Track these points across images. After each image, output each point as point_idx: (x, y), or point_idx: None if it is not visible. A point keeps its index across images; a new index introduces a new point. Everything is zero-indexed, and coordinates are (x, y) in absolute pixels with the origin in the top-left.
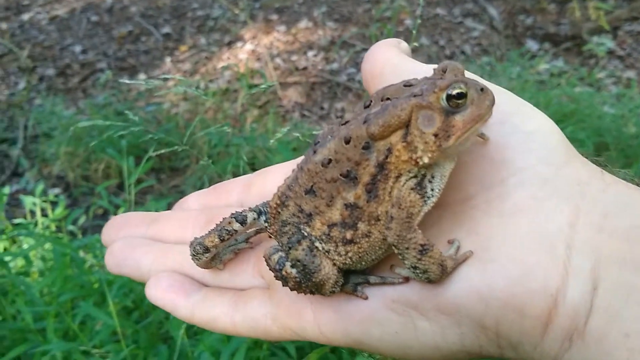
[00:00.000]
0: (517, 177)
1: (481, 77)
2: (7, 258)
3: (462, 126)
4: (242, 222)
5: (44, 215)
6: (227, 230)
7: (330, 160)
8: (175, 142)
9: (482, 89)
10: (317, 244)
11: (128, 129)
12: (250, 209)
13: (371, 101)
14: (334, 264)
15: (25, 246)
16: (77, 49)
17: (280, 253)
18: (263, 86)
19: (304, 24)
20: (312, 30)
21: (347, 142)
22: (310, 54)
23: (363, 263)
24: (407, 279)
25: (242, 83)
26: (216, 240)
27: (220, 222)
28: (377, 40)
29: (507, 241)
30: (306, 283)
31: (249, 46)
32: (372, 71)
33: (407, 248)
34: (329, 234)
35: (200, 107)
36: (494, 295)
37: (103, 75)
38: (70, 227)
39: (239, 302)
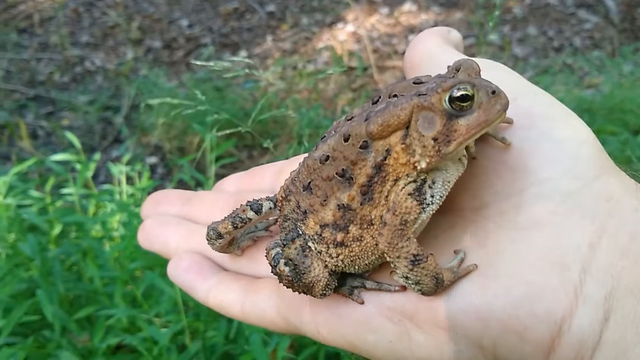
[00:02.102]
0: (537, 188)
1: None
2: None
3: (464, 132)
4: (257, 211)
5: (131, 183)
6: (240, 218)
7: (327, 157)
8: (237, 123)
9: (493, 92)
10: (310, 243)
11: (195, 108)
12: (267, 198)
13: (380, 97)
14: (326, 266)
15: (108, 212)
16: (184, 23)
17: (278, 249)
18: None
19: (407, 6)
20: (416, 13)
21: (346, 139)
22: (412, 37)
23: (356, 267)
24: (404, 288)
25: (336, 65)
26: (229, 227)
27: (236, 209)
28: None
29: (515, 257)
30: (297, 283)
31: (350, 27)
32: (412, 60)
33: (399, 257)
34: (321, 235)
35: (295, 87)
36: (493, 316)
37: (206, 51)
38: None
39: (250, 291)
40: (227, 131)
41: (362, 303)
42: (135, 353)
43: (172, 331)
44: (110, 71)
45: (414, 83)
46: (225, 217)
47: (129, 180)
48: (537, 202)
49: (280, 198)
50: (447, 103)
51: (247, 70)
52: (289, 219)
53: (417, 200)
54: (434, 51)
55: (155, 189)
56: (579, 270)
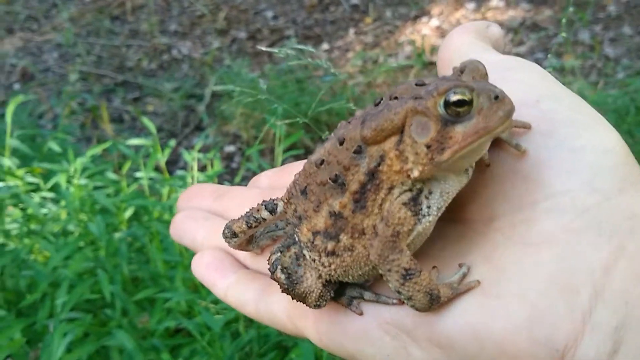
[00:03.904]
0: (551, 201)
1: None
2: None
3: (460, 139)
4: (272, 211)
5: (203, 170)
6: (255, 217)
7: (322, 162)
8: (295, 114)
9: (496, 97)
10: (304, 251)
11: (255, 97)
12: (282, 198)
13: (381, 99)
14: (320, 276)
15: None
16: (269, 14)
17: (278, 254)
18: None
19: (495, 2)
20: (503, 10)
21: (341, 143)
22: None
23: (350, 277)
24: (402, 301)
25: (417, 59)
26: (243, 226)
27: (252, 208)
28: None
29: (521, 276)
30: (292, 292)
31: (434, 22)
32: (443, 57)
33: (389, 270)
34: (313, 242)
35: (374, 81)
36: (490, 338)
37: (288, 42)
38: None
39: (265, 292)
40: (287, 121)
41: (361, 314)
42: (192, 337)
43: (226, 318)
44: (195, 60)
45: (416, 85)
46: (241, 216)
47: (205, 167)
48: (549, 216)
49: (285, 201)
50: (443, 108)
51: (309, 60)
52: (290, 223)
53: (411, 211)
54: (465, 49)
55: (220, 177)
56: (589, 294)
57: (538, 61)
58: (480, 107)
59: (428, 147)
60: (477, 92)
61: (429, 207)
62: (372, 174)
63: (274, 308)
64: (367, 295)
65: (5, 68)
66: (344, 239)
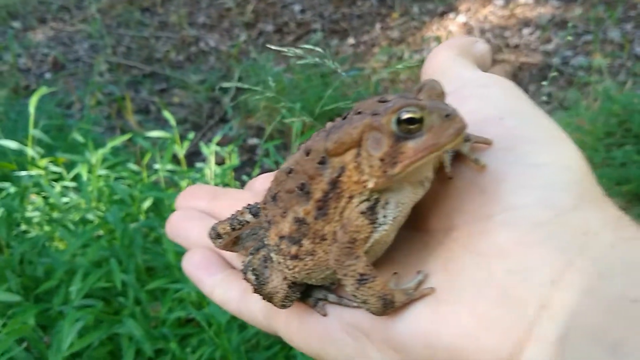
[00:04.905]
0: (505, 215)
1: None
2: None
3: (412, 154)
4: (255, 214)
5: (220, 163)
6: (238, 220)
7: (291, 170)
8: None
9: (447, 115)
10: (272, 254)
11: (263, 95)
12: (261, 203)
13: (348, 113)
14: (285, 278)
15: None
16: (297, 8)
17: (250, 256)
18: None
19: None
20: (532, 6)
21: (308, 154)
22: (526, 31)
23: (313, 280)
24: None
25: None
26: (227, 228)
27: (237, 211)
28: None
29: (472, 286)
30: (260, 292)
31: (461, 18)
32: (427, 72)
33: (346, 275)
34: (279, 246)
35: (397, 77)
36: (441, 344)
37: (315, 36)
38: (245, 178)
39: (247, 292)
40: (294, 119)
41: (325, 315)
42: (201, 327)
43: None
44: (222, 52)
45: (379, 101)
46: (226, 218)
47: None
48: (504, 229)
49: (262, 206)
50: (395, 125)
51: (317, 59)
52: (263, 227)
53: (369, 220)
54: (445, 65)
55: (242, 170)
56: (536, 306)
57: (565, 59)
58: (431, 125)
59: (382, 160)
60: (428, 110)
61: (385, 216)
62: (334, 184)
63: (253, 307)
64: (331, 297)
65: (37, 57)
66: (306, 243)
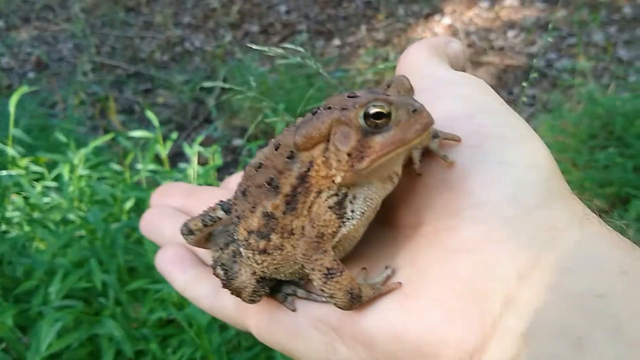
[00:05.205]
0: (473, 211)
1: None
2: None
3: (378, 149)
4: (227, 211)
5: (204, 164)
6: (210, 216)
7: (260, 165)
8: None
9: (414, 111)
10: (241, 249)
11: (244, 95)
12: (232, 199)
13: (318, 108)
14: (254, 273)
15: None
16: (282, 8)
17: (219, 251)
18: None
19: (510, 1)
20: (518, 9)
21: (277, 148)
22: (511, 34)
23: (282, 275)
24: None
25: None
26: (199, 224)
27: (209, 207)
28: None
29: (439, 281)
30: (229, 287)
31: (446, 20)
32: (400, 70)
33: (313, 269)
34: (248, 241)
35: (383, 78)
36: (407, 338)
37: (300, 37)
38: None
39: (219, 289)
40: (276, 119)
41: (294, 310)
42: (182, 328)
43: None
44: (207, 53)
45: (349, 97)
46: (198, 215)
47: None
48: (470, 225)
49: (233, 202)
50: (362, 119)
51: (299, 60)
52: (233, 222)
53: (336, 214)
54: (418, 63)
55: (226, 170)
56: (501, 301)
57: (550, 62)
58: (398, 120)
59: (349, 155)
60: (395, 105)
61: (352, 211)
62: (303, 178)
63: (225, 304)
64: (300, 292)
65: (20, 56)
66: (274, 238)
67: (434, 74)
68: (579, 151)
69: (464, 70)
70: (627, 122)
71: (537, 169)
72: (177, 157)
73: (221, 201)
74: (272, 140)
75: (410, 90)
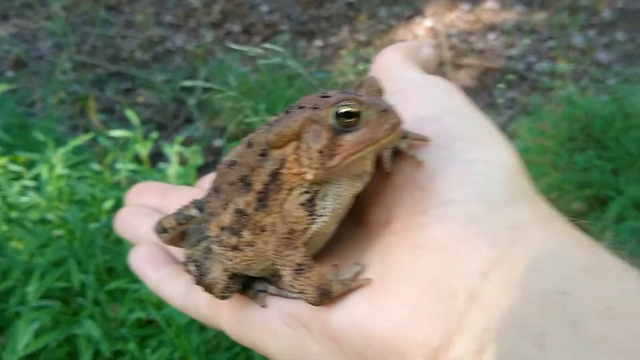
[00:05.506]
0: (440, 209)
1: None
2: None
3: (349, 147)
4: (201, 209)
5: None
6: (184, 214)
7: (233, 163)
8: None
9: (384, 111)
10: (213, 245)
11: (225, 94)
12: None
13: (291, 108)
14: (226, 269)
15: None
16: (265, 8)
17: (192, 248)
18: None
19: (490, 3)
20: (498, 12)
21: (250, 146)
22: (491, 36)
23: (253, 271)
24: None
25: None
26: (173, 222)
27: (183, 206)
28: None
29: (407, 278)
30: (201, 283)
31: (428, 22)
32: (374, 72)
33: (284, 265)
34: (220, 237)
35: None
36: (376, 333)
37: (282, 38)
38: None
39: (192, 286)
40: (256, 119)
41: (265, 307)
42: (161, 328)
43: None
44: (189, 52)
45: (321, 96)
46: (172, 213)
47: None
48: (438, 223)
49: (206, 199)
50: (334, 118)
51: (279, 60)
52: (205, 220)
53: (307, 211)
54: (390, 66)
55: (207, 170)
56: (466, 297)
57: (529, 65)
58: (368, 119)
59: (320, 153)
60: (366, 105)
61: (323, 208)
62: (275, 176)
63: (198, 302)
64: (272, 289)
65: None
66: (246, 234)
67: (405, 76)
68: (558, 153)
69: (435, 74)
70: (606, 124)
71: (503, 168)
72: (157, 157)
73: (195, 200)
74: (245, 138)
75: (380, 91)
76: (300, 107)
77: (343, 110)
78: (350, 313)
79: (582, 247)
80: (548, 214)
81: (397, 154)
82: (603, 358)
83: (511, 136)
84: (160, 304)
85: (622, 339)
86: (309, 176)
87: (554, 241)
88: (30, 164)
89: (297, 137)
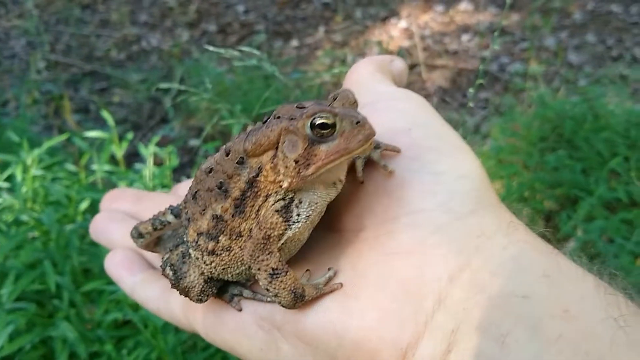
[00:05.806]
0: (409, 218)
1: None
2: None
3: (324, 157)
4: (177, 215)
5: (161, 164)
6: (160, 220)
7: (211, 170)
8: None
9: (358, 122)
10: (190, 250)
11: (200, 96)
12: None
13: (269, 117)
14: (202, 273)
15: None
16: (241, 8)
17: (169, 253)
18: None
19: (464, 5)
20: (472, 13)
21: (227, 154)
22: (465, 37)
23: (229, 276)
24: None
25: None
26: (149, 228)
27: (159, 211)
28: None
29: (377, 282)
30: (178, 287)
31: (403, 23)
32: (346, 85)
33: (259, 269)
34: (197, 242)
35: (341, 80)
36: (347, 336)
37: (258, 38)
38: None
39: (167, 291)
40: (232, 121)
41: (240, 310)
42: (138, 329)
43: None
44: (164, 52)
45: (297, 107)
46: (149, 219)
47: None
48: (407, 231)
49: (182, 206)
50: (309, 129)
51: (255, 62)
52: (183, 225)
53: (283, 218)
54: (362, 79)
55: (182, 171)
56: (433, 301)
57: (502, 66)
58: (342, 130)
59: (296, 162)
60: (340, 117)
61: (298, 214)
62: (252, 183)
63: (172, 306)
64: (246, 292)
65: None
66: (223, 239)
67: (377, 89)
68: (530, 153)
69: (405, 87)
70: (577, 125)
71: (468, 179)
72: (132, 157)
73: (171, 206)
74: (223, 146)
75: (354, 103)
76: (277, 117)
77: (319, 121)
78: (323, 316)
79: (542, 253)
80: (510, 222)
81: (369, 163)
82: (560, 357)
83: (484, 136)
84: (136, 305)
85: (577, 339)
86: (285, 184)
87: (516, 248)
88: (3, 165)
89: (274, 146)
